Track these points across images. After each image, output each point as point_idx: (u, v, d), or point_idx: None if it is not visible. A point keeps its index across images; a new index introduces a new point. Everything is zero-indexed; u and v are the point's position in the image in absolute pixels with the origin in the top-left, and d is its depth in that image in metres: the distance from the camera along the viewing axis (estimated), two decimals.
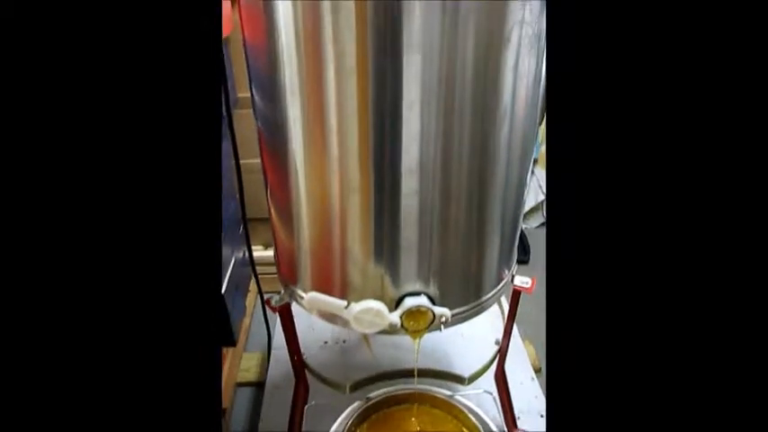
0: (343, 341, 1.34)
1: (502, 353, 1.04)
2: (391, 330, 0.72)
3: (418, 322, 0.73)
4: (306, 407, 0.96)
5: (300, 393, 1.02)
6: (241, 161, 1.05)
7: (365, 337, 1.34)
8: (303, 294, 0.81)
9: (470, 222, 0.70)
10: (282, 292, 0.87)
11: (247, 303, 1.94)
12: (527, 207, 2.54)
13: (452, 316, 0.76)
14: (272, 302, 0.86)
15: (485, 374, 1.04)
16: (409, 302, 0.71)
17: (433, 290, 0.74)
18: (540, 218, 2.43)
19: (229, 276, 1.69)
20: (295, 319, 1.42)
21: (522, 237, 2.49)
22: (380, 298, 0.72)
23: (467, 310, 0.79)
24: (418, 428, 0.90)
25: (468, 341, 1.33)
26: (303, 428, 1.02)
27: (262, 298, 1.47)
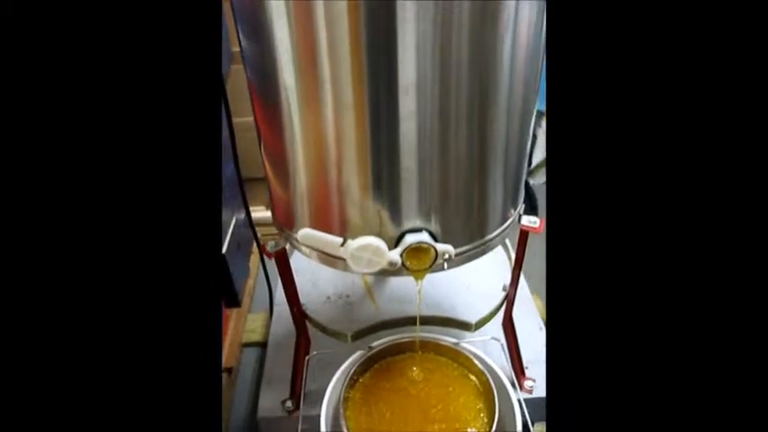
0: (347, 296, 1.30)
1: (509, 299, 1.00)
2: (391, 270, 0.69)
3: (420, 260, 0.69)
4: (307, 358, 0.92)
5: (302, 345, 0.99)
6: (234, 120, 1.01)
7: (369, 291, 1.30)
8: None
9: (471, 150, 0.66)
10: (279, 237, 0.84)
11: (251, 264, 1.92)
12: (534, 161, 2.48)
13: (455, 255, 0.73)
14: (268, 248, 0.82)
15: (492, 322, 1.01)
16: (410, 239, 0.68)
17: (434, 226, 0.70)
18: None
19: (230, 236, 1.66)
20: (297, 275, 1.38)
21: (530, 191, 2.44)
22: (379, 236, 0.68)
23: (470, 249, 0.75)
24: (422, 376, 0.87)
25: (475, 293, 1.30)
26: (306, 380, 1.00)
27: (262, 257, 1.44)
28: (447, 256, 0.69)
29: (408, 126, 0.62)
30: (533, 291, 1.37)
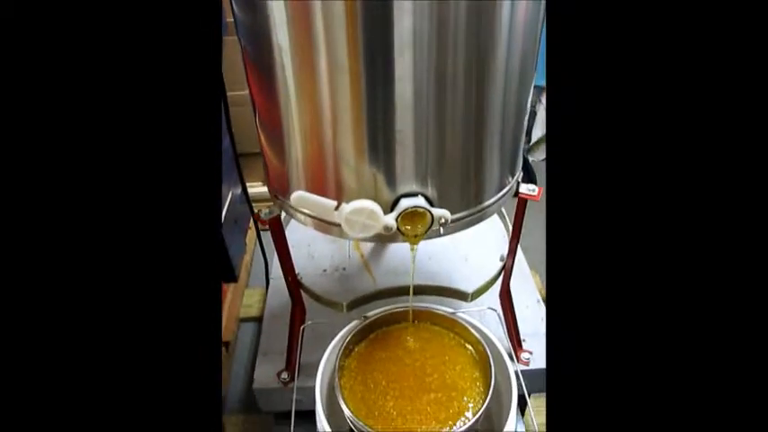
0: (343, 269, 1.30)
1: (507, 270, 1.00)
2: (386, 235, 0.68)
3: (416, 225, 0.68)
4: (302, 327, 0.92)
5: (297, 315, 0.99)
6: (228, 93, 0.99)
7: (365, 264, 1.30)
8: (294, 205, 0.77)
9: (468, 114, 0.65)
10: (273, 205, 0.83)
11: (248, 240, 1.91)
12: (534, 138, 2.47)
13: (452, 222, 0.72)
14: (262, 215, 0.81)
15: (489, 294, 1.00)
16: (405, 203, 0.67)
17: (430, 191, 0.69)
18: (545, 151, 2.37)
19: (227, 212, 1.65)
20: (293, 249, 1.37)
21: (528, 167, 2.43)
22: (375, 201, 0.67)
23: (467, 216, 0.74)
24: (418, 345, 0.86)
25: (472, 265, 1.29)
26: (301, 350, 0.99)
27: (258, 231, 1.43)
28: (443, 221, 0.68)
29: (404, 88, 0.61)
30: (532, 268, 1.36)
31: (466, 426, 0.74)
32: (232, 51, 0.82)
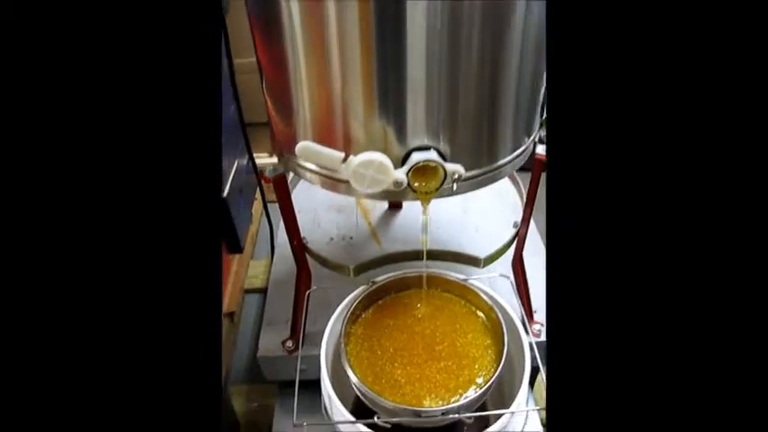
0: (350, 237, 1.26)
1: (520, 237, 0.96)
2: (396, 190, 0.64)
3: (428, 181, 0.64)
4: (308, 292, 0.88)
5: (302, 280, 0.95)
6: (236, 61, 0.95)
7: (373, 232, 1.26)
8: (300, 162, 0.73)
9: (483, 63, 0.61)
10: (277, 162, 0.79)
11: (254, 212, 1.88)
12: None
13: (465, 179, 0.68)
14: (266, 173, 0.77)
15: (502, 263, 0.97)
16: (417, 157, 0.63)
17: (443, 146, 0.65)
18: None
19: (232, 181, 1.61)
20: (299, 216, 1.35)
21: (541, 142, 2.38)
22: (385, 155, 0.63)
23: (480, 174, 0.70)
24: (428, 312, 0.83)
25: (483, 235, 1.26)
26: (306, 317, 0.96)
27: (264, 201, 1.40)
28: (456, 176, 0.64)
29: (416, 33, 0.57)
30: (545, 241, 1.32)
31: (477, 394, 0.71)
32: (240, 16, 0.78)
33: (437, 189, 0.65)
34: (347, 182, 0.66)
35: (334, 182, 0.70)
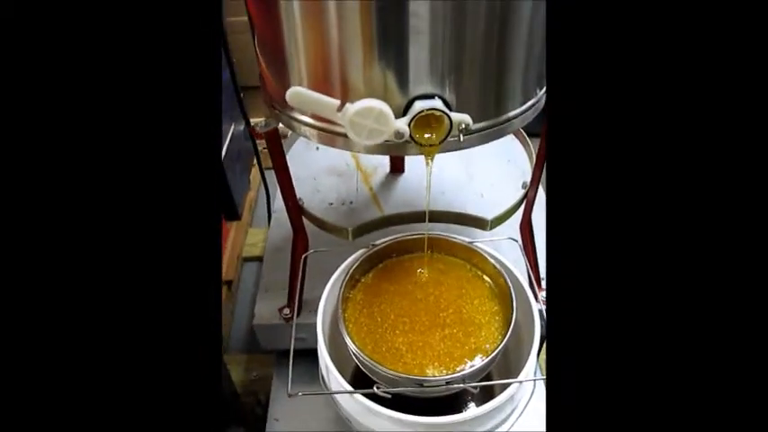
0: (350, 202, 1.21)
1: (529, 200, 0.91)
2: (397, 142, 0.58)
3: (432, 132, 0.59)
4: (304, 255, 0.84)
5: (299, 244, 0.91)
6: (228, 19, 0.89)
7: (374, 197, 1.21)
8: (294, 114, 0.67)
9: (492, 2, 0.55)
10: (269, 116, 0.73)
11: (252, 179, 1.83)
12: None
13: (472, 132, 0.62)
14: (258, 128, 0.72)
15: (509, 225, 0.91)
16: (420, 105, 0.57)
17: (448, 94, 0.59)
18: None
19: (228, 147, 1.56)
20: (296, 182, 1.29)
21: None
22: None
23: (488, 128, 0.65)
24: (432, 277, 0.78)
25: (489, 200, 1.21)
26: (303, 283, 0.91)
27: (260, 166, 1.35)
28: (463, 126, 0.59)
29: None
30: None
31: (483, 362, 0.66)
32: None
33: (442, 141, 0.59)
34: (345, 135, 0.60)
35: (331, 135, 0.65)
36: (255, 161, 1.58)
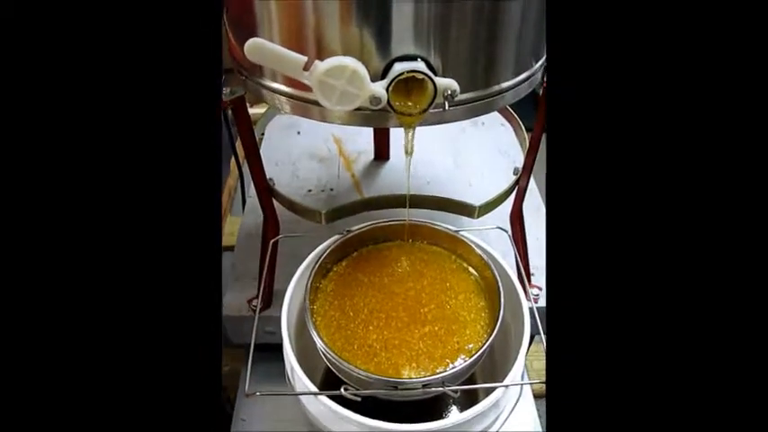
0: (330, 189, 1.14)
1: (520, 188, 0.84)
2: (374, 110, 0.51)
3: (414, 99, 0.51)
4: (272, 241, 0.76)
5: (270, 229, 0.83)
6: None
7: (356, 184, 1.14)
8: (263, 81, 0.60)
9: None
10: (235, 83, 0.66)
11: (232, 164, 1.75)
12: None
13: (458, 103, 0.55)
14: (223, 96, 0.64)
15: (498, 215, 0.84)
16: (400, 66, 0.50)
17: (433, 58, 0.52)
18: None
19: None
20: (275, 167, 1.22)
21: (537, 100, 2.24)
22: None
23: (476, 99, 0.58)
24: (412, 268, 0.71)
25: (477, 190, 1.14)
26: (273, 273, 0.84)
27: (233, 147, 1.27)
28: (449, 93, 0.51)
29: None
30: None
31: (466, 363, 0.59)
32: None
33: (425, 110, 0.52)
34: (319, 103, 0.53)
35: (303, 104, 0.58)
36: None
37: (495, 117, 1.39)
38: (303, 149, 1.27)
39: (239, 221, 1.61)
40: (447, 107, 0.52)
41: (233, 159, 1.68)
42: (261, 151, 0.77)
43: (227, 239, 1.60)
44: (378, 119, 0.55)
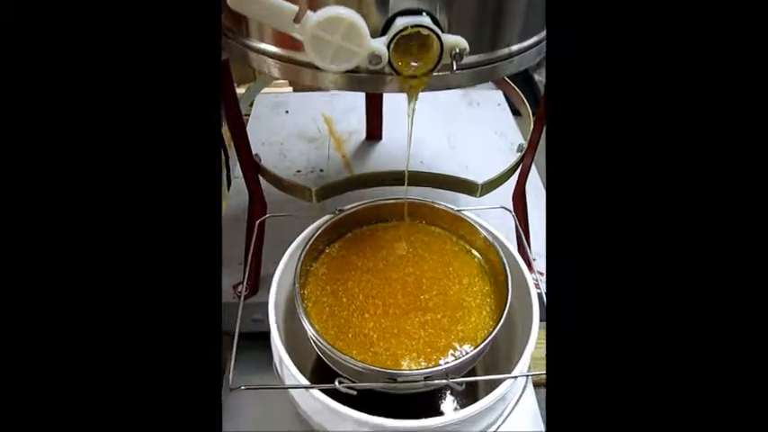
0: (320, 170, 1.08)
1: (525, 167, 0.78)
2: (372, 70, 0.46)
3: (418, 59, 0.46)
4: (258, 221, 0.70)
5: (256, 209, 0.77)
6: None
7: (347, 164, 1.08)
8: (248, 41, 0.54)
9: None
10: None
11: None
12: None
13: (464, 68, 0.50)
14: None
15: (501, 194, 0.79)
16: (403, 21, 0.44)
17: (438, 13, 0.46)
18: None
19: None
20: (262, 148, 1.16)
21: (533, 85, 2.19)
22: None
23: (481, 63, 0.52)
24: (411, 251, 0.65)
25: (474, 172, 1.08)
26: (259, 257, 0.78)
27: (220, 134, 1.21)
28: (457, 52, 0.46)
29: None
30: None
31: (471, 354, 0.54)
32: None
33: (430, 71, 0.46)
34: (313, 66, 0.47)
35: (294, 66, 0.52)
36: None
37: (490, 96, 1.34)
38: (291, 129, 1.21)
39: (225, 205, 1.56)
40: (455, 68, 0.46)
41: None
42: (247, 131, 0.71)
43: None
44: (377, 83, 0.49)
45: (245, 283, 0.64)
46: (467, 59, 0.49)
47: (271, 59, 0.53)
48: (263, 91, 0.97)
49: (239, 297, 0.82)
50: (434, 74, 0.48)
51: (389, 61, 0.45)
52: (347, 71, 0.47)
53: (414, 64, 0.46)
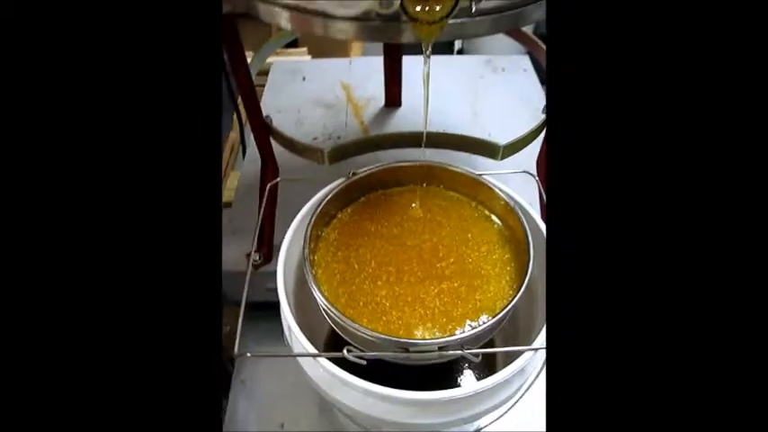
0: (337, 137, 1.05)
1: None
2: (383, 15, 0.42)
3: (431, 5, 0.42)
4: (269, 185, 0.67)
5: (268, 173, 0.75)
6: None
7: (364, 131, 1.05)
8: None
9: None
10: None
11: (235, 118, 1.67)
12: None
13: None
14: None
15: (523, 158, 0.75)
16: None
17: None
18: None
19: None
20: (278, 114, 1.13)
21: (538, 65, 2.12)
22: None
23: (501, 9, 0.48)
24: (428, 217, 0.62)
25: (497, 139, 1.04)
26: (272, 222, 0.76)
27: (230, 88, 1.18)
28: None
29: None
30: None
31: (488, 324, 0.51)
32: None
33: (447, 16, 0.43)
34: (323, 14, 0.44)
35: (304, 15, 0.48)
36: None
37: (516, 62, 1.29)
38: (308, 96, 1.18)
39: (238, 174, 1.54)
40: (474, 10, 0.42)
41: (235, 115, 1.60)
42: (262, 99, 0.68)
43: (228, 194, 1.53)
44: (389, 31, 0.45)
45: (253, 248, 0.61)
46: (488, 3, 0.45)
47: (280, 9, 0.50)
48: (279, 59, 0.94)
49: (254, 266, 0.80)
50: (452, 21, 0.44)
51: (402, 4, 0.41)
52: (358, 18, 0.44)
53: (428, 8, 0.43)
